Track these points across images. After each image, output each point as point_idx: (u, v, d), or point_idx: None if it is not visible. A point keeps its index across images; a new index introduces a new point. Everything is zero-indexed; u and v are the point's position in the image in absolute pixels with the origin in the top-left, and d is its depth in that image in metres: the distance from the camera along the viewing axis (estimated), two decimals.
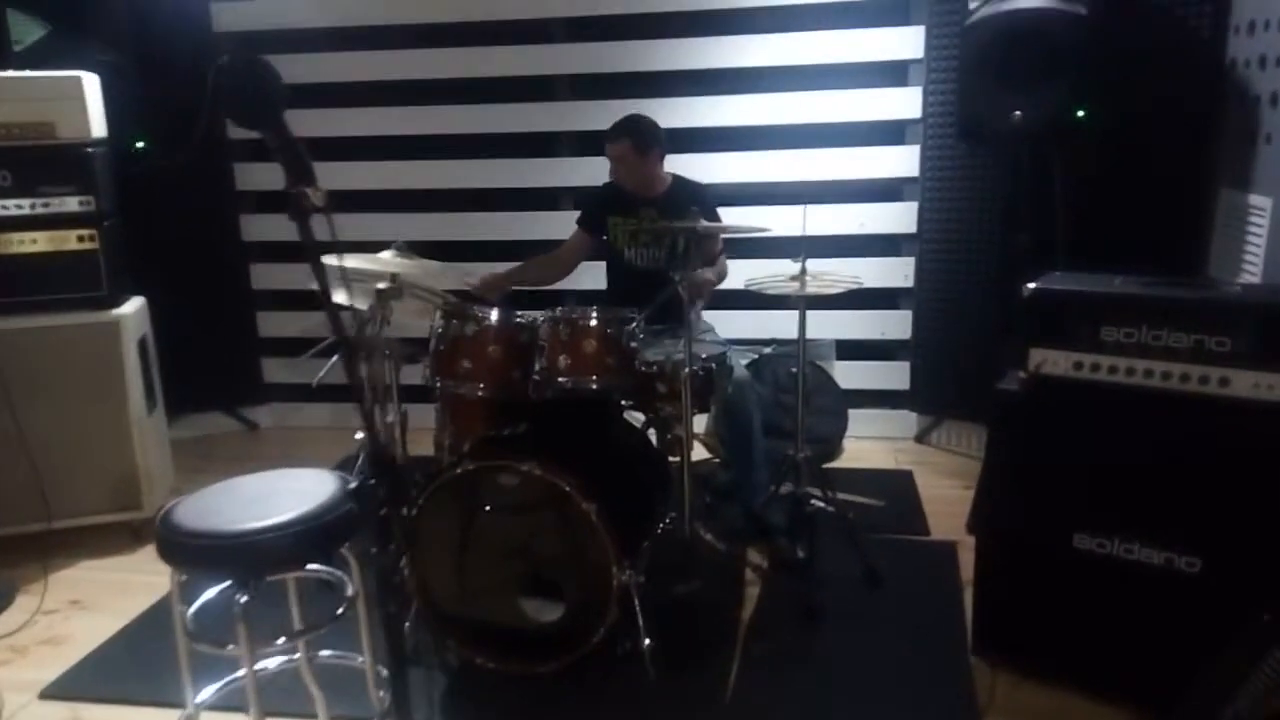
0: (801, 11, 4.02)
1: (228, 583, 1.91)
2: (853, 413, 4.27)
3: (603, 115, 3.59)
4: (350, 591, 2.13)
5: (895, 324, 4.25)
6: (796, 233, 4.05)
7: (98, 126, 3.36)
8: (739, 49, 4.10)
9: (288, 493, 2.01)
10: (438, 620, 2.57)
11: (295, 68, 4.25)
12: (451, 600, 2.56)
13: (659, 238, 3.42)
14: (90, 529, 3.41)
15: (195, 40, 4.23)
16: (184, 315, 4.13)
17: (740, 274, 3.36)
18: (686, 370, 2.65)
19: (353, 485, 1.80)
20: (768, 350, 3.96)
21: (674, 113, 4.06)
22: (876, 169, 4.11)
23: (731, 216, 3.80)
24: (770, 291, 2.93)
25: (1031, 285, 2.42)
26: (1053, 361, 2.39)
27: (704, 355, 2.87)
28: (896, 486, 3.80)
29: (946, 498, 3.64)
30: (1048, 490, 2.41)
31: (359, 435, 2.86)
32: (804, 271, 2.93)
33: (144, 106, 3.95)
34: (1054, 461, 2.40)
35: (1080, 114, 3.18)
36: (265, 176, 4.50)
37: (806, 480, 3.12)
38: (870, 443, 4.29)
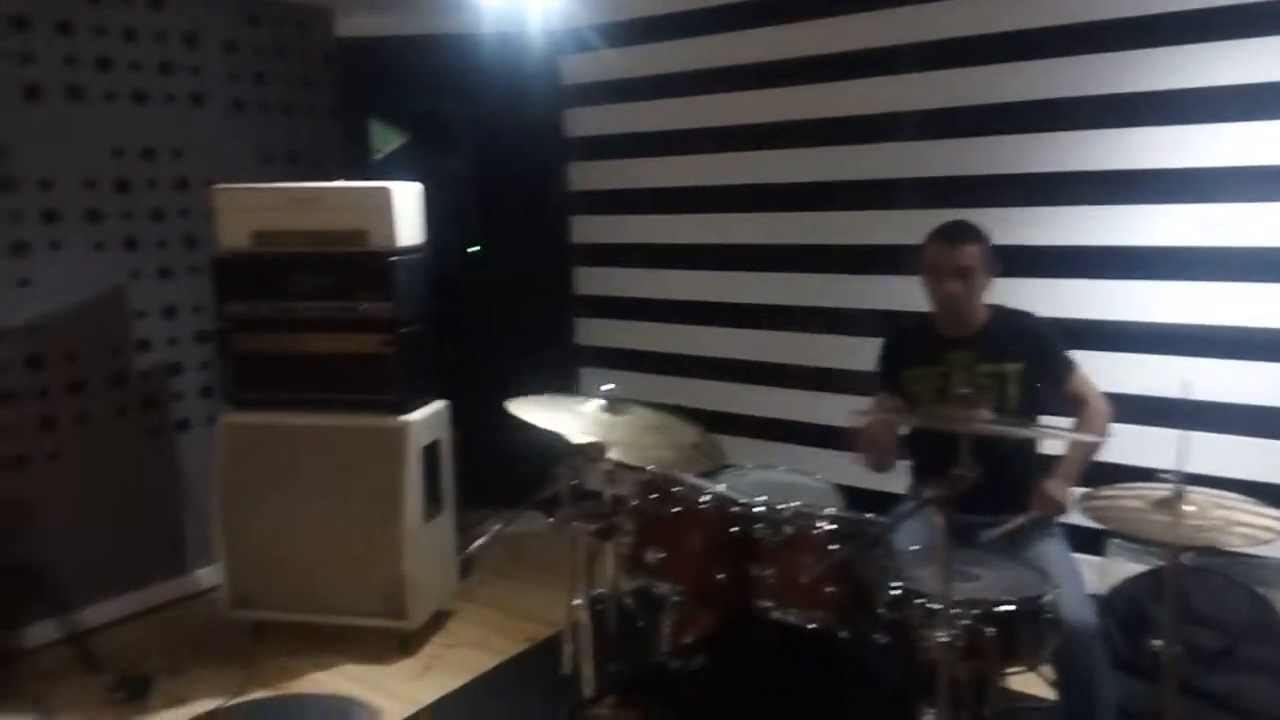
0: None
1: None
2: None
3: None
4: None
5: None
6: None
7: (407, 235, 3.35)
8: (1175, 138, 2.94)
9: None
10: None
11: None
12: None
13: (983, 390, 2.44)
14: (355, 630, 3.37)
15: (547, 151, 4.20)
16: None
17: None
18: (940, 636, 1.76)
19: None
20: (1184, 558, 2.73)
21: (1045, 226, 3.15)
22: None
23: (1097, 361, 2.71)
24: (1122, 537, 1.92)
25: None
26: None
27: (1004, 598, 1.94)
28: None
29: None
30: None
31: None
32: (1178, 511, 1.86)
33: (486, 213, 3.97)
34: None
35: None
36: (602, 282, 4.34)
37: None
38: None
